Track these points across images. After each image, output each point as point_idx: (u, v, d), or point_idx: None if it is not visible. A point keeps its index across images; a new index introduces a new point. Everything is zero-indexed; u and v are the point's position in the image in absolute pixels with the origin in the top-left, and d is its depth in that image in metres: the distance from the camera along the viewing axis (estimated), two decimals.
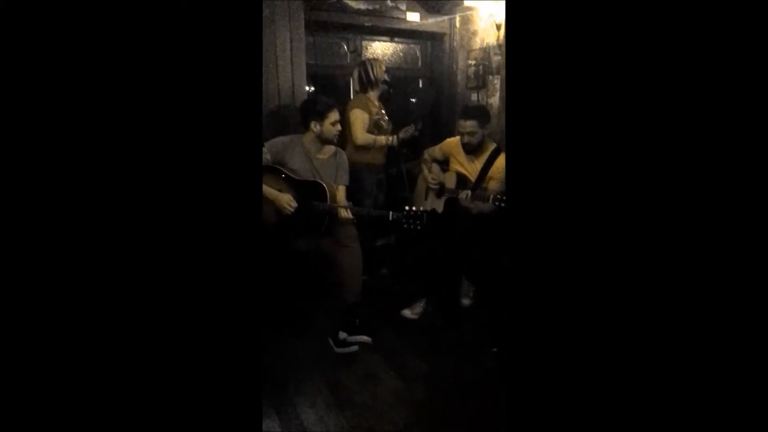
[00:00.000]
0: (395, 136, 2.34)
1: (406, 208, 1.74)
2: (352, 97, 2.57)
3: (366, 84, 2.36)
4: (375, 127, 2.37)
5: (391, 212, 1.77)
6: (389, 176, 2.61)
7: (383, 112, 2.42)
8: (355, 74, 2.40)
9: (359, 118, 2.30)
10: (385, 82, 2.39)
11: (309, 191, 1.89)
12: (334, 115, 1.92)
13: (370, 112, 2.34)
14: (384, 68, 2.38)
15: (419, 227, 1.72)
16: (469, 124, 2.00)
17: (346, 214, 1.80)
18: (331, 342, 1.91)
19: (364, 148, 2.34)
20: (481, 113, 2.04)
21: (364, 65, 2.37)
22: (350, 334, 1.91)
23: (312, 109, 1.91)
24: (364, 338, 1.94)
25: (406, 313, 2.18)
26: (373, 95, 2.39)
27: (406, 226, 1.73)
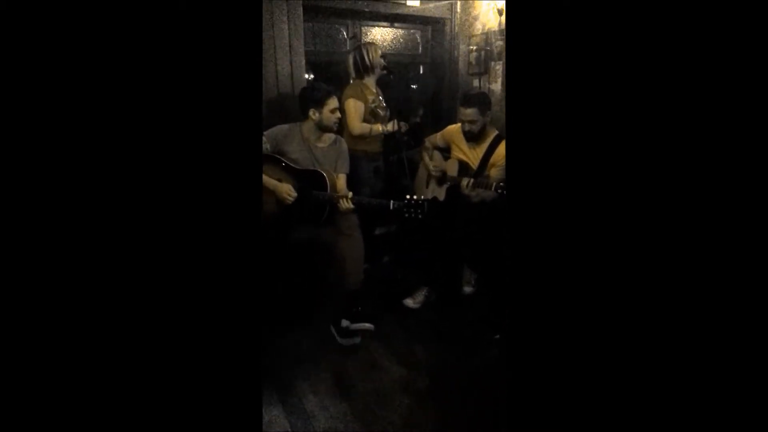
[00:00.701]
0: (394, 121, 2.28)
1: (407, 197, 1.73)
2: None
3: (362, 70, 2.29)
4: (371, 116, 2.31)
5: (392, 201, 1.76)
6: (390, 164, 2.58)
7: (380, 98, 2.36)
8: (350, 60, 2.32)
9: (354, 109, 2.24)
10: (384, 68, 2.34)
11: (309, 180, 1.88)
12: (333, 103, 1.89)
13: (365, 100, 2.27)
14: (380, 53, 2.30)
15: (420, 216, 1.71)
16: (470, 112, 1.98)
17: (346, 203, 1.79)
18: (333, 331, 1.92)
19: (361, 136, 2.29)
20: (481, 101, 2.01)
21: (360, 50, 2.29)
22: (353, 321, 1.92)
23: (311, 97, 1.89)
24: (367, 326, 1.94)
25: (408, 302, 2.19)
26: (369, 81, 2.32)
27: (407, 215, 1.72)
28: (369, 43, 2.38)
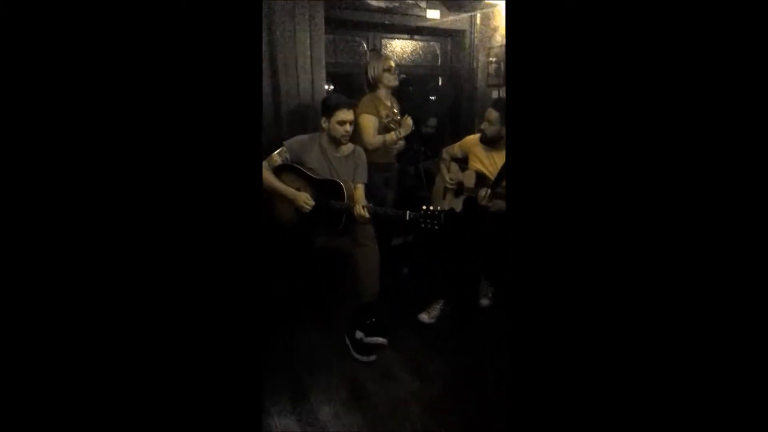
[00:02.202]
0: (407, 125, 2.24)
1: (424, 207, 1.73)
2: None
3: (370, 83, 2.28)
4: (384, 130, 2.28)
5: (408, 211, 1.76)
6: (407, 175, 2.58)
7: (395, 110, 2.33)
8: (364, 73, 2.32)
9: (369, 124, 2.21)
10: (404, 80, 2.34)
11: (327, 189, 1.89)
12: (342, 115, 1.86)
13: (378, 114, 2.24)
14: (391, 64, 2.26)
15: (437, 227, 1.70)
16: (494, 115, 2.02)
17: (363, 212, 1.80)
18: (348, 342, 1.91)
19: (376, 150, 2.26)
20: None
21: (366, 64, 2.29)
22: (367, 334, 1.91)
23: (323, 106, 1.92)
24: (381, 340, 1.93)
25: (423, 317, 2.16)
26: (383, 94, 2.30)
27: (423, 225, 1.72)
28: (377, 55, 2.35)
